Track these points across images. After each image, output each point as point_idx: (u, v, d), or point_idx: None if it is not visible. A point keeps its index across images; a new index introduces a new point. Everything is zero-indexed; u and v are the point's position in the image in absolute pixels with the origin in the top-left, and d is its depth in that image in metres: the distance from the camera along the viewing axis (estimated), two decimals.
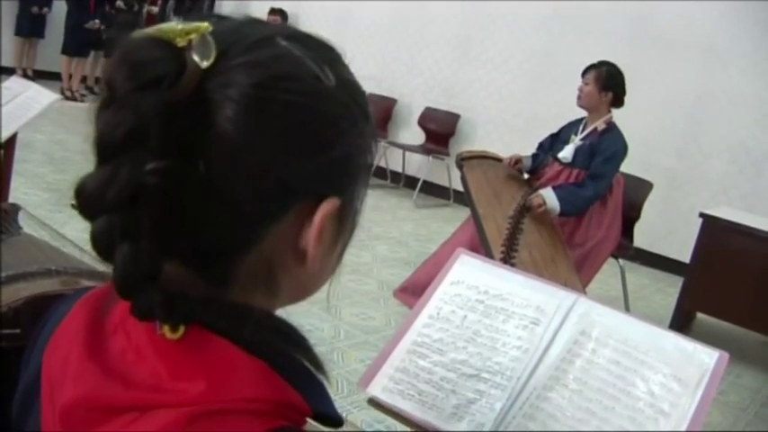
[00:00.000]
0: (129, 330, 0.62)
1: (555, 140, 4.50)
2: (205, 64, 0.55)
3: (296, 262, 0.62)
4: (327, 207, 0.61)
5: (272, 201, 0.59)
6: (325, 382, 0.65)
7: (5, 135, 3.08)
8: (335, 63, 0.64)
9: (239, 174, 0.57)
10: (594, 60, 4.37)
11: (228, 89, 0.56)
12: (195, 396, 0.56)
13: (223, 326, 0.60)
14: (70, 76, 9.79)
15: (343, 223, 0.66)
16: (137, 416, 0.56)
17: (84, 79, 10.21)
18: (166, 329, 0.59)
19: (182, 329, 0.59)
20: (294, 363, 0.63)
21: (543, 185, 4.24)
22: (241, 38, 0.59)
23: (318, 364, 0.64)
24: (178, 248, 0.58)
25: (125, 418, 0.57)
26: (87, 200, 0.55)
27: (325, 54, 0.64)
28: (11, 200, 3.05)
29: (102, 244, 0.56)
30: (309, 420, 0.63)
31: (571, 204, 4.13)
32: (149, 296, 0.56)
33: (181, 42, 0.54)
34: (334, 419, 0.65)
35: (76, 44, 9.65)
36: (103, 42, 9.86)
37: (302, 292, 0.69)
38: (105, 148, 0.55)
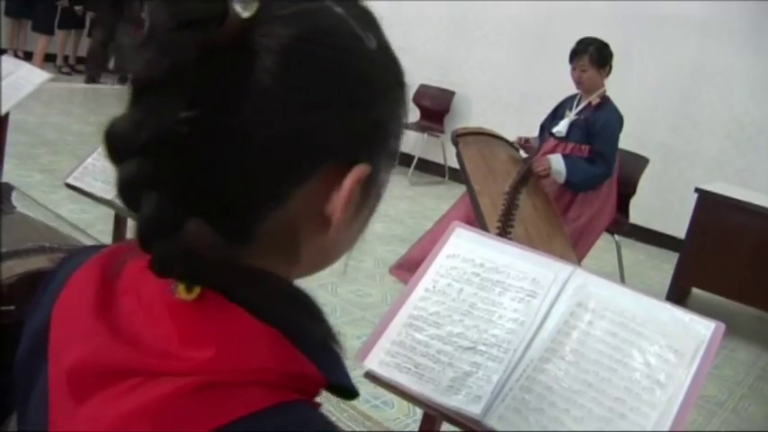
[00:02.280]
0: (142, 291, 0.60)
1: (553, 118, 4.51)
2: (246, 14, 0.53)
3: (319, 228, 0.60)
4: (358, 172, 0.59)
5: (303, 158, 0.57)
6: (341, 353, 0.63)
7: None
8: (377, 28, 0.63)
9: (272, 127, 0.55)
10: (586, 36, 4.36)
11: (268, 40, 0.54)
12: (202, 364, 0.54)
13: (239, 289, 0.58)
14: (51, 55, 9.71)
15: (368, 192, 0.64)
16: (142, 381, 0.54)
17: (66, 58, 10.16)
18: (181, 289, 0.57)
19: (196, 291, 0.57)
20: (309, 333, 0.60)
21: (540, 158, 4.25)
22: None
23: (333, 335, 0.62)
24: (203, 200, 0.55)
25: (129, 382, 0.55)
26: (116, 141, 0.53)
27: (368, 17, 0.62)
28: (4, 181, 3.04)
29: (127, 190, 0.54)
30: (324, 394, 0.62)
31: (578, 175, 4.15)
32: (170, 250, 0.54)
33: None
34: (349, 391, 0.63)
35: (49, 22, 9.59)
36: (84, 21, 9.82)
37: (321, 260, 0.67)
38: (140, 89, 0.53)
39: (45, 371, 0.63)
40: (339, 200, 0.59)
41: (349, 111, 0.58)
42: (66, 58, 10.18)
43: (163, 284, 0.58)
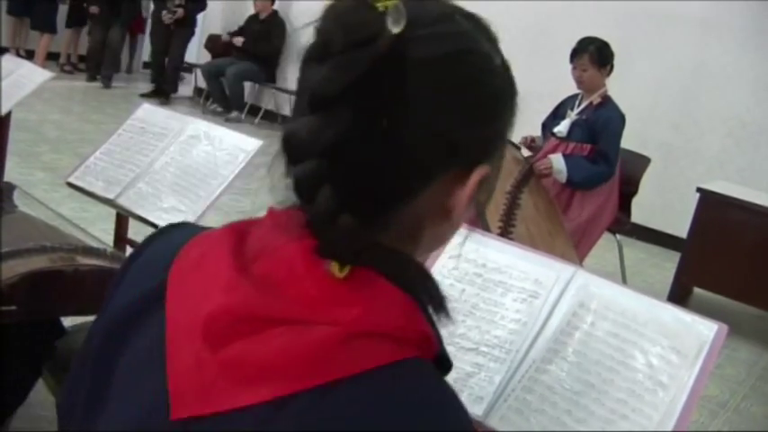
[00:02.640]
0: (282, 259, 0.65)
1: (554, 117, 4.51)
2: (396, 30, 0.59)
3: (441, 218, 0.69)
4: (481, 173, 0.68)
5: (440, 161, 0.65)
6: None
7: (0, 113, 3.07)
8: (497, 43, 0.71)
9: (419, 133, 0.62)
10: (588, 35, 4.36)
11: (417, 56, 0.62)
12: (350, 319, 0.60)
13: (383, 265, 0.64)
14: (51, 54, 9.65)
15: (482, 188, 0.70)
16: (290, 328, 0.60)
17: (68, 57, 10.15)
18: (335, 267, 0.63)
19: (347, 269, 0.63)
20: (431, 304, 0.67)
21: (541, 158, 4.24)
22: (425, 11, 0.65)
23: (446, 310, 0.67)
24: (358, 194, 0.63)
25: (275, 330, 0.60)
26: (299, 145, 0.62)
27: (491, 34, 0.70)
28: (5, 179, 3.04)
29: (306, 185, 0.62)
30: None
31: (579, 174, 4.15)
32: (335, 236, 0.62)
33: (380, 7, 0.60)
34: (447, 362, 0.69)
35: (49, 20, 9.58)
36: (87, 19, 9.80)
37: (436, 244, 0.75)
38: (320, 100, 0.61)
39: (152, 328, 0.68)
40: (463, 196, 0.67)
41: (479, 122, 0.67)
42: (68, 57, 10.17)
43: (306, 257, 0.64)
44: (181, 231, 0.78)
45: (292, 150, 0.62)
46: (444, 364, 0.69)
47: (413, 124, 0.62)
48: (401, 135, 0.62)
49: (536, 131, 4.64)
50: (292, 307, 0.61)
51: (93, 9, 9.43)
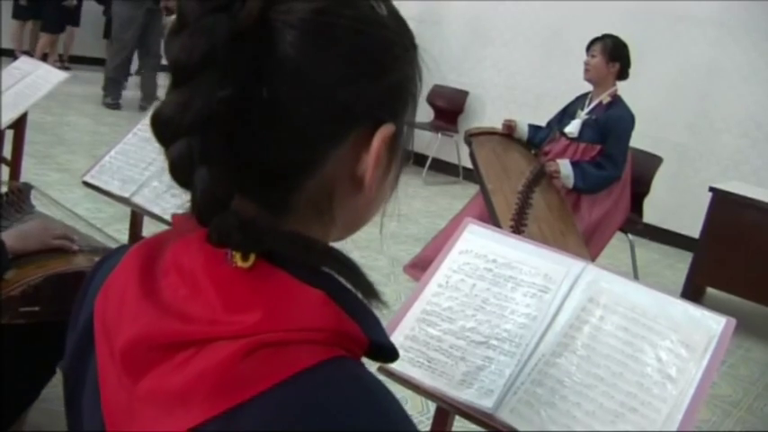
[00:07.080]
0: (183, 268, 0.63)
1: (563, 116, 4.51)
2: None
3: (352, 189, 0.64)
4: (384, 132, 0.63)
5: (334, 124, 0.61)
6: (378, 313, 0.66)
7: (16, 114, 3.10)
8: None
9: (302, 97, 0.58)
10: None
11: (289, 16, 0.58)
12: (251, 326, 0.57)
13: (288, 253, 0.61)
14: (45, 55, 9.67)
15: (395, 150, 0.67)
16: (195, 351, 0.58)
17: (60, 57, 10.20)
18: (238, 258, 0.60)
19: (252, 258, 0.60)
20: (350, 293, 0.63)
21: (551, 161, 4.25)
22: None
23: (374, 293, 0.64)
24: (245, 174, 0.59)
25: (184, 354, 0.58)
26: (165, 124, 0.57)
27: None
28: (22, 180, 3.08)
29: (180, 168, 0.58)
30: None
31: (584, 181, 4.15)
32: (226, 220, 0.58)
33: None
34: (388, 350, 0.65)
35: (56, 21, 9.62)
36: (79, 19, 9.82)
37: (355, 221, 0.71)
38: (181, 73, 0.57)
39: (93, 363, 0.66)
40: (369, 160, 0.63)
41: (371, 76, 0.62)
42: (60, 56, 10.21)
43: (204, 258, 0.61)
44: (121, 254, 0.73)
45: (160, 130, 0.58)
46: (385, 352, 0.65)
47: (288, 89, 0.58)
48: (276, 103, 0.58)
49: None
50: (196, 326, 0.59)
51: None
